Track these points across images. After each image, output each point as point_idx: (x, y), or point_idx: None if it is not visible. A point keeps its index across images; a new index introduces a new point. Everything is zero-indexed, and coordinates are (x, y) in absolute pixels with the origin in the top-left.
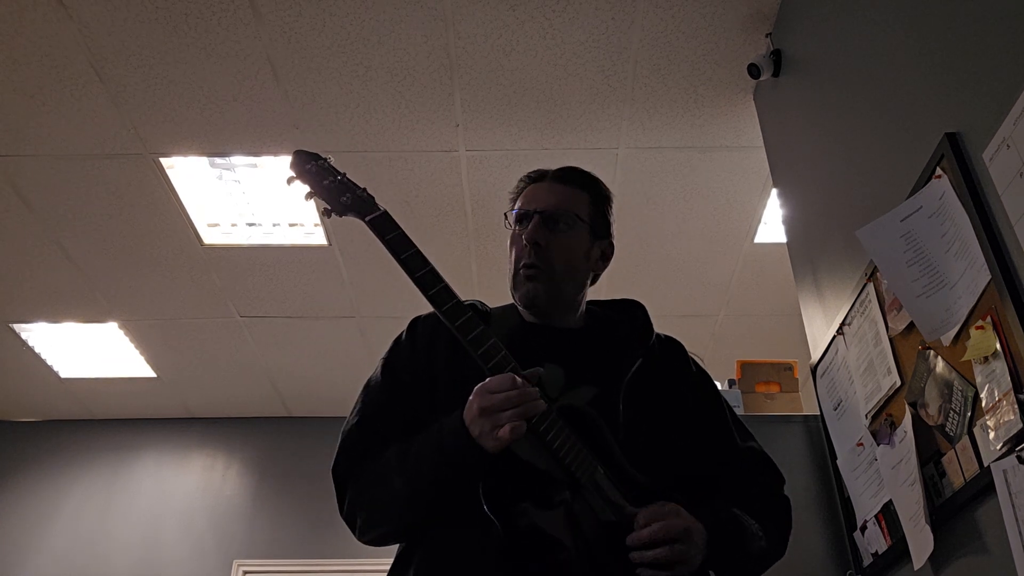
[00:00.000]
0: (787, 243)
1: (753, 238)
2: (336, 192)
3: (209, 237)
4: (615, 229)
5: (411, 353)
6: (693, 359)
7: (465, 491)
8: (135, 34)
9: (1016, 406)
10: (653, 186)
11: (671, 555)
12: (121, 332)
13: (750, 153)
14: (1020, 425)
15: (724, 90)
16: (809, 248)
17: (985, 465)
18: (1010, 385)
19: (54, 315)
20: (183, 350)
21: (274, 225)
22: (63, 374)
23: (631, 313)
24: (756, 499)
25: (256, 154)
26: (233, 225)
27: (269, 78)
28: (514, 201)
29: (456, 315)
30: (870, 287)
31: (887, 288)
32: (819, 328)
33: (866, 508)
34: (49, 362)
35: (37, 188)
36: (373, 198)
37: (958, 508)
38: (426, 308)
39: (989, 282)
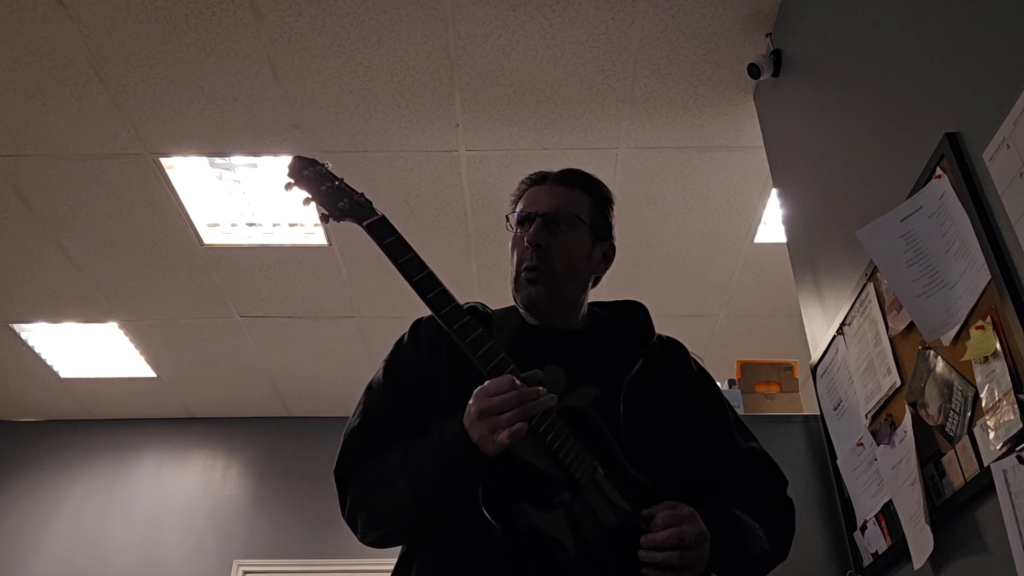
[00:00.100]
0: (787, 243)
1: (753, 238)
2: (333, 197)
3: (209, 237)
4: (616, 231)
5: (413, 356)
6: (695, 360)
7: (466, 493)
8: (135, 34)
9: (1016, 406)
10: (653, 186)
11: (681, 561)
12: (121, 332)
13: (750, 153)
14: (1020, 425)
15: (724, 90)
16: (809, 248)
17: (985, 465)
18: (1010, 385)
19: (54, 315)
20: (183, 350)
21: (274, 225)
22: (63, 374)
23: (633, 314)
24: (758, 501)
25: (256, 154)
26: (233, 225)
27: (269, 78)
28: (515, 204)
29: (454, 319)
30: (870, 287)
31: (887, 288)
32: (819, 328)
33: (866, 508)
34: (49, 362)
35: (37, 188)
36: (371, 203)
37: (958, 508)
38: (427, 309)
39: (989, 282)
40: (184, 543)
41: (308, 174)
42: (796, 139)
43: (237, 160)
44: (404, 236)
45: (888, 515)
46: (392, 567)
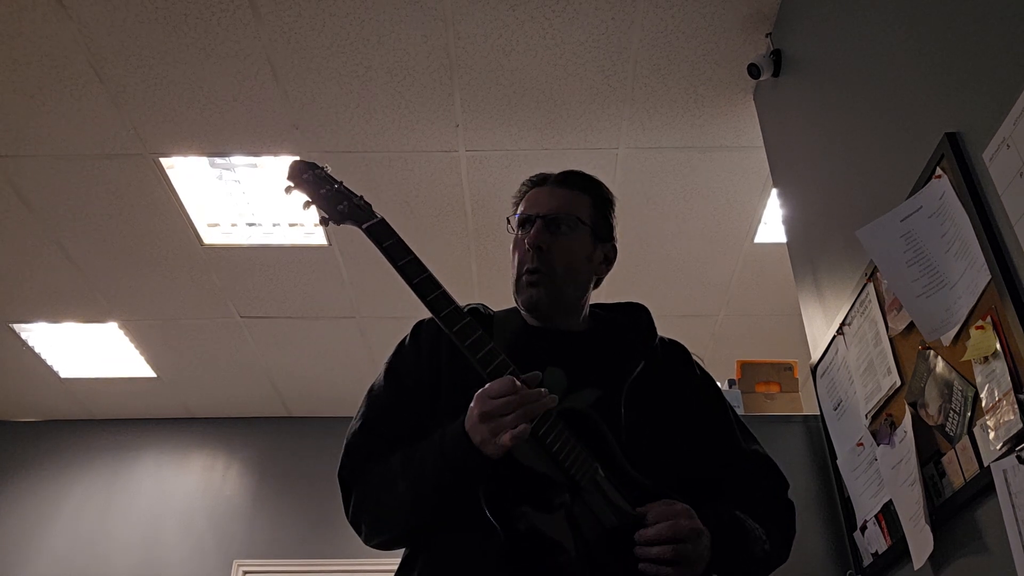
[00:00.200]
0: (787, 243)
1: (753, 238)
2: (333, 201)
3: (209, 237)
4: (618, 231)
5: (414, 358)
6: (696, 362)
7: (467, 495)
8: (135, 34)
9: (1016, 406)
10: (653, 186)
11: (675, 554)
12: (121, 332)
13: (750, 153)
14: (1020, 425)
15: (724, 90)
16: (809, 248)
17: (985, 465)
18: (1010, 385)
19: (54, 315)
20: (183, 350)
21: (274, 225)
22: (63, 374)
23: (635, 316)
24: (760, 503)
25: (256, 154)
26: (233, 225)
27: (269, 78)
28: (516, 205)
29: (454, 321)
30: (870, 287)
31: (887, 288)
32: (819, 328)
33: (866, 508)
34: (49, 362)
35: (37, 188)
36: (370, 206)
37: (958, 508)
38: (427, 309)
39: (989, 282)
40: (184, 543)
41: (308, 177)
42: (796, 139)
43: (237, 160)
44: (404, 237)
45: (888, 515)
46: (392, 568)
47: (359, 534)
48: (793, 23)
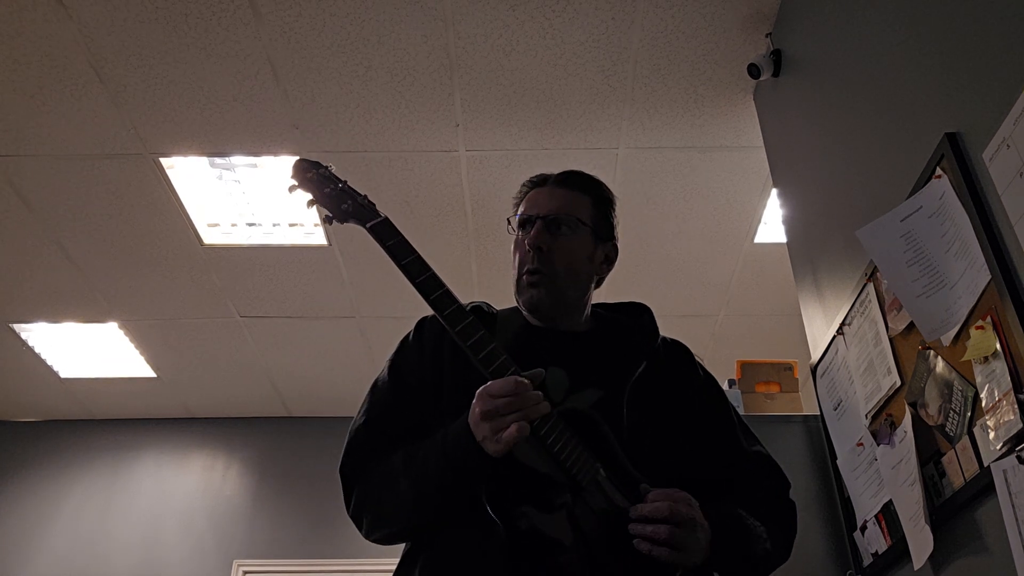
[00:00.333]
0: (787, 243)
1: (753, 238)
2: (337, 199)
3: (209, 237)
4: (619, 231)
5: (418, 356)
6: (699, 363)
7: (469, 495)
8: (135, 34)
9: (1016, 406)
10: (653, 186)
11: (669, 535)
12: (121, 332)
13: (750, 153)
14: (1020, 425)
15: (724, 90)
16: (809, 248)
17: (985, 465)
18: (1010, 385)
19: (54, 315)
20: (183, 350)
21: (274, 225)
22: (63, 374)
23: (637, 316)
24: (761, 503)
25: (256, 154)
26: (233, 225)
27: (269, 78)
28: (517, 206)
29: (457, 320)
30: (870, 287)
31: (887, 288)
32: (819, 328)
33: (866, 508)
34: (49, 362)
35: (37, 188)
36: (374, 205)
37: (958, 508)
38: (425, 308)
39: (989, 282)
40: (184, 543)
41: (312, 177)
42: (796, 139)
43: (237, 160)
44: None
45: (888, 515)
46: (392, 567)
47: (359, 529)
48: (793, 23)
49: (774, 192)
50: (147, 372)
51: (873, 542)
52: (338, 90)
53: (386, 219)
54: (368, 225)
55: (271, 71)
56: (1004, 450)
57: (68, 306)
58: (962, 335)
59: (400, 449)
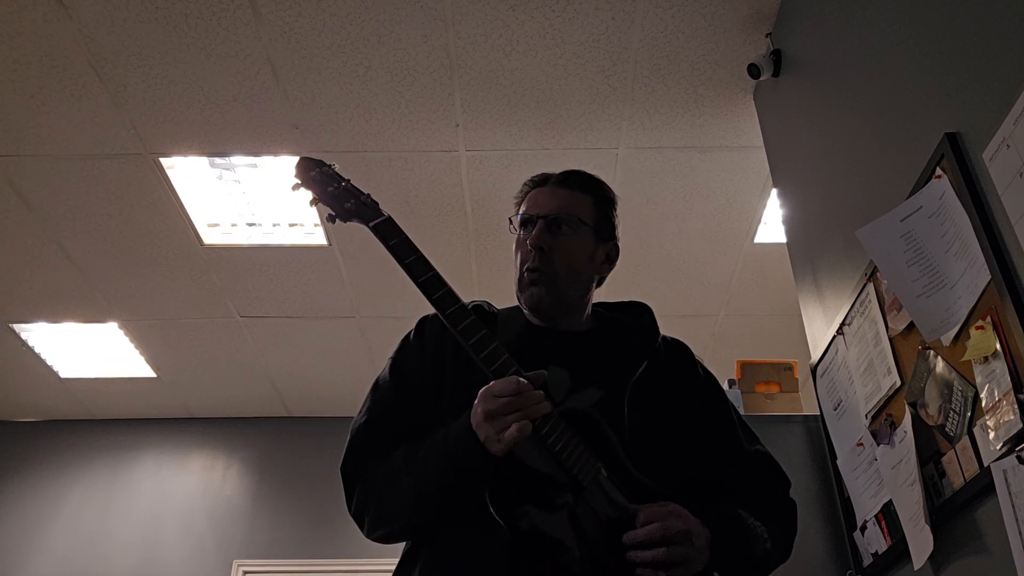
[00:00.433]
0: (787, 243)
1: (753, 238)
2: (340, 198)
3: (209, 237)
4: (620, 231)
5: (419, 355)
6: (699, 362)
7: (471, 494)
8: (135, 34)
9: (1016, 406)
10: (653, 186)
11: (668, 557)
12: (121, 332)
13: (750, 153)
14: (1020, 425)
15: (724, 90)
16: (809, 248)
17: (985, 465)
18: (1010, 385)
19: (54, 315)
20: (183, 350)
21: (274, 225)
22: (63, 374)
23: (638, 316)
24: (762, 502)
25: (256, 154)
26: (233, 225)
27: (269, 78)
28: (518, 206)
29: (459, 319)
30: (870, 287)
31: (887, 288)
32: (819, 328)
33: (866, 508)
34: (49, 362)
35: (37, 188)
36: (377, 204)
37: (958, 508)
38: (425, 308)
39: (989, 282)
40: (184, 543)
41: (315, 175)
42: (796, 139)
43: (237, 160)
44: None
45: (888, 515)
46: (392, 567)
47: (360, 527)
48: (793, 23)
49: (774, 192)
50: (147, 372)
51: (873, 542)
52: (338, 90)
53: (389, 218)
54: (371, 224)
55: (271, 71)
56: (1004, 450)
57: (68, 306)
58: (962, 335)
59: (401, 448)
